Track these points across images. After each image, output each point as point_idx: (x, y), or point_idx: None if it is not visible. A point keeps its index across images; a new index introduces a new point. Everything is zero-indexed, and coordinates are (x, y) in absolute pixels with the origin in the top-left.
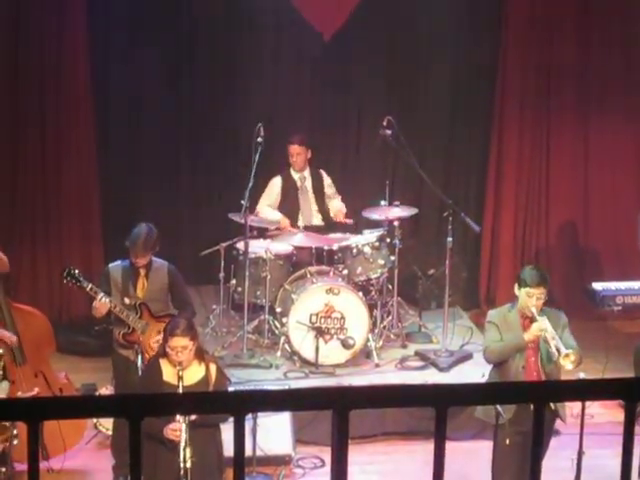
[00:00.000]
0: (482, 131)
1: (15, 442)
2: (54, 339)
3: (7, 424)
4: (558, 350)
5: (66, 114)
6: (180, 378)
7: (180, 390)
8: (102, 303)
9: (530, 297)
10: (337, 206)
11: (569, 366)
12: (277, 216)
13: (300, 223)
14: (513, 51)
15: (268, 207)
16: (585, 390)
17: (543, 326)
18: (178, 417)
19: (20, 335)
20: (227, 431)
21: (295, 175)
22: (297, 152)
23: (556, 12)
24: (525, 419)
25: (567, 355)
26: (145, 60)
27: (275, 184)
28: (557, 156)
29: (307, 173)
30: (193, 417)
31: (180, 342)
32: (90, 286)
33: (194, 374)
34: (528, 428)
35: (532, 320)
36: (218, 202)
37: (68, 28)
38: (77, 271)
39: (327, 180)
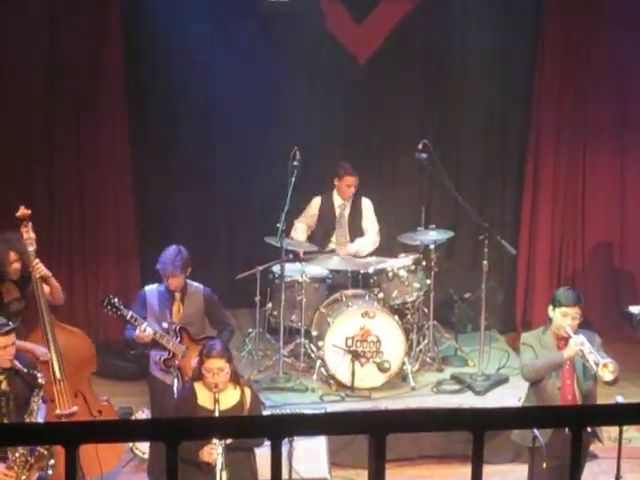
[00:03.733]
0: (517, 154)
1: (50, 472)
2: (95, 360)
3: (45, 452)
4: (596, 363)
5: (101, 137)
6: (217, 401)
7: (216, 413)
8: (146, 334)
9: (565, 317)
10: (353, 247)
11: (608, 377)
12: (299, 239)
13: (332, 247)
14: (549, 75)
15: (302, 225)
16: (622, 414)
17: (580, 340)
18: (214, 440)
19: (61, 353)
20: (263, 455)
21: (337, 201)
22: (353, 183)
23: (592, 37)
24: (562, 443)
25: (605, 365)
26: (180, 79)
27: (314, 205)
28: (593, 178)
29: (349, 202)
30: (229, 440)
31: (216, 364)
32: (130, 314)
33: (229, 398)
34: (565, 452)
35: (567, 341)
36: (254, 225)
37: (104, 44)
38: (117, 300)
39: (367, 210)
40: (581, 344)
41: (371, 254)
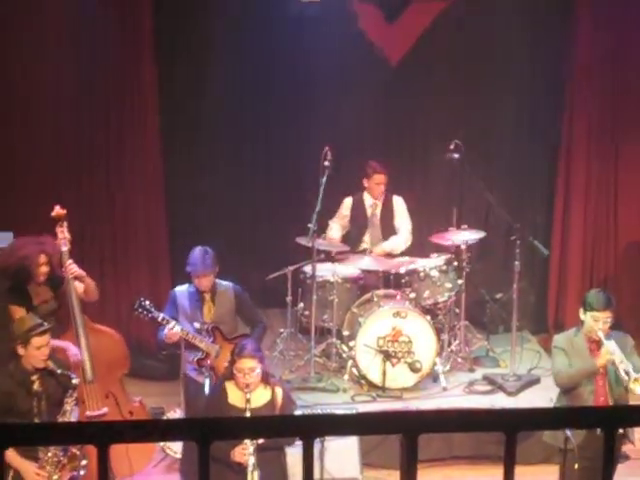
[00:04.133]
0: (549, 154)
1: (82, 472)
2: (128, 362)
3: (77, 453)
4: (627, 374)
5: (132, 135)
6: (248, 401)
7: (248, 413)
8: (174, 333)
9: (596, 321)
10: (387, 246)
11: (639, 390)
12: (333, 238)
13: (365, 246)
14: (581, 74)
15: (336, 225)
16: None
17: (611, 349)
18: (246, 440)
19: (92, 354)
20: (293, 454)
21: (368, 201)
22: (383, 181)
23: (624, 34)
24: (594, 444)
25: (637, 379)
26: (213, 81)
27: (345, 206)
28: (626, 178)
29: (380, 201)
30: (261, 440)
31: (248, 364)
32: (161, 316)
33: (260, 397)
34: (597, 453)
35: (599, 344)
36: (285, 226)
37: (135, 58)
38: (148, 302)
39: (399, 209)
40: (612, 353)
41: (403, 254)
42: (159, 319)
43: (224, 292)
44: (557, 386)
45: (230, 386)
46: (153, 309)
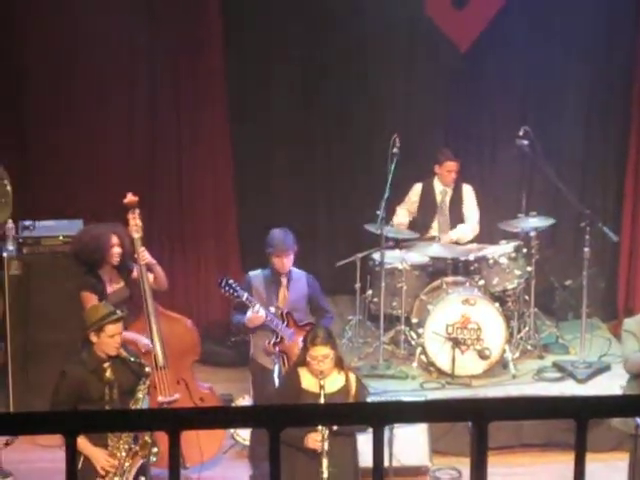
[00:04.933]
0: (619, 139)
1: (154, 459)
2: (199, 348)
3: (149, 440)
4: None
5: (202, 123)
6: (322, 387)
7: (322, 399)
8: (258, 316)
9: None
10: (455, 234)
11: None
12: (400, 224)
13: (434, 233)
14: None
15: (403, 211)
16: None
17: None
18: (320, 427)
19: (164, 340)
20: (364, 442)
21: (438, 188)
22: (454, 168)
23: None
24: None
25: None
26: (277, 75)
27: (415, 192)
28: None
29: (450, 189)
30: (335, 427)
31: (321, 351)
32: (246, 296)
33: (334, 382)
34: None
35: None
36: (354, 213)
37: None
38: (233, 281)
39: (468, 197)
40: None
41: (471, 241)
42: (244, 298)
43: (298, 279)
44: (626, 371)
45: (303, 372)
46: (239, 288)
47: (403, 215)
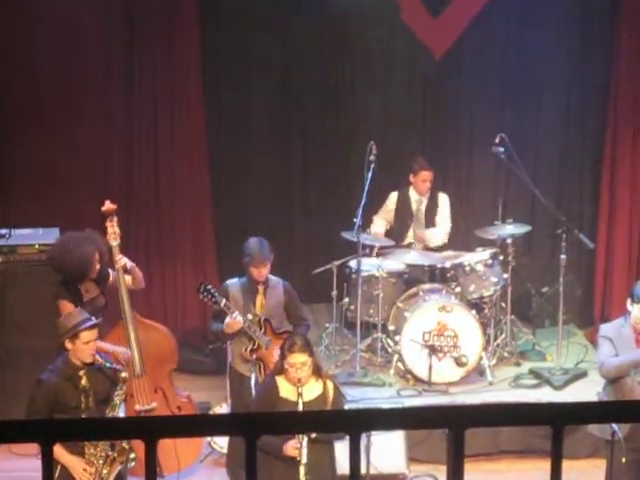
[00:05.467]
0: (595, 147)
1: (132, 464)
2: (176, 356)
3: (126, 446)
4: None
5: (180, 132)
6: (300, 395)
7: (300, 406)
8: (237, 321)
9: None
10: (428, 233)
11: None
12: (377, 233)
13: (410, 241)
14: (626, 68)
15: (380, 220)
16: None
17: None
18: (299, 435)
19: (142, 349)
20: (341, 449)
21: (413, 197)
22: (429, 178)
23: None
24: (638, 436)
25: None
26: (256, 81)
27: (391, 200)
28: None
29: (426, 197)
30: (313, 434)
31: (299, 358)
32: (225, 302)
33: (312, 390)
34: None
35: None
36: (331, 221)
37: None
38: (211, 286)
39: (442, 206)
40: None
41: (448, 248)
42: (222, 304)
43: (275, 286)
44: (602, 376)
45: (281, 380)
46: (217, 294)
47: (380, 224)
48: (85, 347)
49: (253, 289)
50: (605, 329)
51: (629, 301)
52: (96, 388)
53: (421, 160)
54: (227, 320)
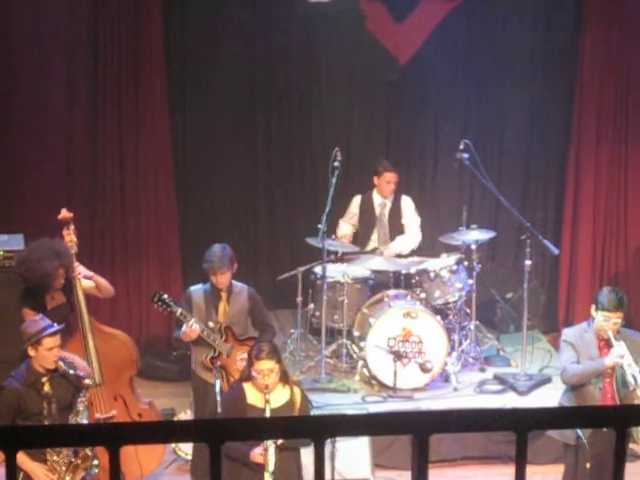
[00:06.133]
0: (559, 153)
1: (96, 471)
2: (136, 364)
3: (89, 453)
4: (635, 379)
5: (144, 136)
6: (267, 402)
7: (267, 413)
8: (193, 329)
9: (607, 321)
10: (396, 247)
11: None
12: (342, 233)
13: (374, 245)
14: (590, 75)
15: (346, 225)
16: None
17: (621, 352)
18: (267, 441)
19: (100, 357)
20: (306, 455)
21: (377, 200)
22: (393, 179)
23: (632, 33)
24: (600, 442)
25: None
26: (221, 88)
27: (354, 204)
28: (635, 177)
29: (389, 200)
30: (280, 441)
31: (266, 365)
32: (180, 311)
33: (279, 397)
34: (602, 451)
35: (608, 342)
36: (295, 226)
37: (147, 58)
38: (167, 296)
39: (407, 208)
40: (621, 357)
41: (413, 254)
42: (177, 313)
43: (239, 293)
44: (563, 382)
45: (249, 387)
46: (172, 303)
47: (346, 228)
48: (48, 354)
49: (216, 296)
50: (567, 334)
51: (593, 307)
52: (59, 395)
53: (385, 162)
54: (183, 328)
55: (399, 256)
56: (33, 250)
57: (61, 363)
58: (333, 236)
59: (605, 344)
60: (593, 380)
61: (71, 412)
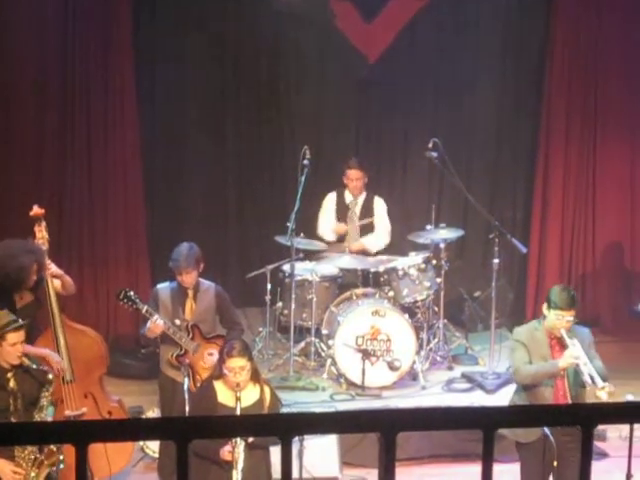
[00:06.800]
0: (528, 152)
1: (61, 466)
2: (106, 361)
3: (54, 449)
4: (592, 379)
5: (113, 135)
6: (238, 399)
7: (238, 411)
8: (157, 325)
9: (560, 319)
10: (365, 241)
11: (604, 397)
12: (332, 227)
13: (344, 243)
14: (559, 73)
15: (325, 219)
16: (633, 412)
17: (576, 354)
18: (236, 439)
19: (71, 354)
20: (274, 453)
21: (348, 198)
22: (356, 177)
23: (602, 28)
24: (558, 439)
25: (603, 388)
26: (190, 85)
27: (330, 200)
28: (603, 176)
29: (360, 199)
30: (250, 439)
31: (238, 363)
32: (145, 308)
33: (249, 395)
34: (568, 446)
35: (560, 340)
36: (264, 225)
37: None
38: (132, 293)
39: (379, 209)
40: (576, 357)
41: (381, 253)
42: (143, 310)
43: (206, 291)
44: (516, 382)
45: (219, 385)
46: (138, 300)
47: (326, 222)
48: (12, 349)
49: (183, 294)
50: (519, 333)
51: (545, 305)
52: (24, 390)
53: (352, 160)
54: (148, 324)
55: (365, 254)
56: (4, 249)
57: (24, 359)
58: (318, 232)
59: (557, 342)
60: (544, 382)
61: (36, 408)
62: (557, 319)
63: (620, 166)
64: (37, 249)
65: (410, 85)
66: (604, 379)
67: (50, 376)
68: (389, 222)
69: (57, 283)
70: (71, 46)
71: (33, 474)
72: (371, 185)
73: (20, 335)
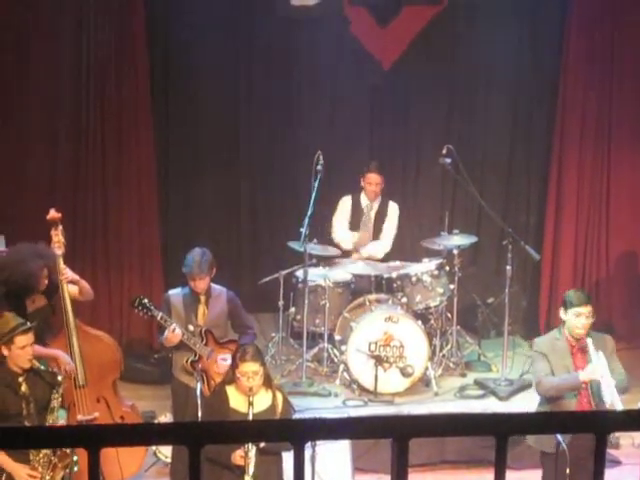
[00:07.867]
0: (542, 159)
1: (75, 469)
2: (120, 366)
3: (68, 451)
4: (612, 400)
5: (127, 142)
6: (251, 404)
7: (250, 416)
8: (175, 334)
9: (579, 317)
10: (366, 251)
11: None
12: (352, 239)
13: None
14: (573, 79)
15: (340, 223)
16: None
17: (599, 371)
18: (248, 444)
19: (84, 358)
20: (286, 459)
21: (364, 202)
22: (376, 182)
23: (615, 39)
24: (578, 447)
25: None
26: (204, 82)
27: (345, 202)
28: (617, 184)
29: (376, 204)
30: (262, 444)
31: (251, 367)
32: (161, 315)
33: (261, 401)
34: (580, 455)
35: (583, 349)
36: (278, 230)
37: (131, 66)
38: (147, 300)
39: (391, 215)
40: (601, 375)
41: (394, 258)
42: (158, 317)
43: (218, 296)
44: (539, 394)
45: (231, 390)
46: (152, 307)
47: (343, 227)
48: (21, 352)
49: (195, 299)
50: (539, 344)
51: (562, 310)
52: (36, 394)
53: (373, 164)
54: (165, 334)
55: (380, 260)
56: (13, 253)
57: (35, 361)
58: (333, 235)
59: (579, 350)
60: (567, 395)
61: (47, 411)
62: (576, 317)
63: (634, 172)
64: (47, 254)
65: (424, 91)
66: (625, 390)
67: (59, 378)
68: (395, 230)
69: (74, 289)
70: (86, 58)
71: (48, 477)
72: (385, 191)
73: (29, 338)
